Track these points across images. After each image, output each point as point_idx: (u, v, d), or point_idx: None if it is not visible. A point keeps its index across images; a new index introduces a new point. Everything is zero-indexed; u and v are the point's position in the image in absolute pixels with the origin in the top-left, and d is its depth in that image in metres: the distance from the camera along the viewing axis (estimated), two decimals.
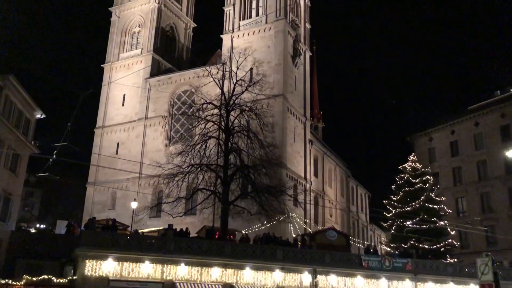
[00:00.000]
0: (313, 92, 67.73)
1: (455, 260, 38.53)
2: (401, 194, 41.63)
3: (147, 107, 51.09)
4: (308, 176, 47.16)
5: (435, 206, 40.50)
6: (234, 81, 32.43)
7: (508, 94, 53.50)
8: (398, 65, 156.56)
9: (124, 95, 53.00)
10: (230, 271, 26.13)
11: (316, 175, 51.06)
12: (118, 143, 51.51)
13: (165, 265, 24.90)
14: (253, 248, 27.78)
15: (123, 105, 52.88)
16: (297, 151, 46.24)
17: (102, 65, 55.84)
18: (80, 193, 54.19)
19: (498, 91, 56.36)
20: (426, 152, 56.20)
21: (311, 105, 57.46)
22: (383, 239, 56.17)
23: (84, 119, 68.18)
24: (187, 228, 30.05)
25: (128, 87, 51.71)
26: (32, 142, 31.48)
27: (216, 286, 25.34)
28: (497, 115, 50.28)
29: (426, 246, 37.92)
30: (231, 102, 31.79)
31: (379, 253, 36.19)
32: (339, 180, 59.07)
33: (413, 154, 45.64)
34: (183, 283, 24.74)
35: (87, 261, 23.44)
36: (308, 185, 46.72)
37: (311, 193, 47.38)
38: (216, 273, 25.76)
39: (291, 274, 27.55)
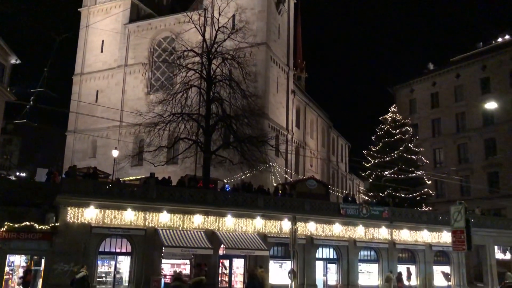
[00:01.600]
0: (296, 41, 66.60)
1: (430, 208, 39.96)
2: (380, 144, 42.36)
3: (127, 54, 49.80)
4: (290, 127, 47.37)
5: (413, 157, 41.45)
6: (216, 28, 31.59)
7: (490, 47, 53.70)
8: (383, 16, 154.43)
9: (103, 41, 51.42)
10: (212, 218, 26.62)
11: (298, 125, 51.32)
12: (97, 91, 50.52)
13: (148, 212, 25.18)
14: (235, 196, 28.21)
15: (101, 51, 51.42)
16: (280, 102, 46.11)
17: (79, 9, 53.66)
18: (60, 141, 53.62)
19: (481, 43, 56.49)
20: (407, 103, 56.77)
21: (294, 55, 56.77)
22: (362, 188, 57.58)
23: (62, 65, 66.25)
24: (169, 177, 30.22)
25: (106, 32, 50.08)
26: (8, 88, 30.57)
27: (198, 232, 25.87)
28: (478, 68, 50.64)
29: (403, 195, 39.09)
30: (213, 50, 31.07)
31: (357, 201, 37.22)
32: (321, 131, 59.57)
33: (394, 105, 46.08)
34: (165, 230, 25.16)
35: (68, 208, 23.52)
36: (290, 136, 47.03)
37: (293, 144, 47.80)
38: (198, 220, 26.22)
39: (272, 221, 28.23)
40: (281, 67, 46.67)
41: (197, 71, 31.01)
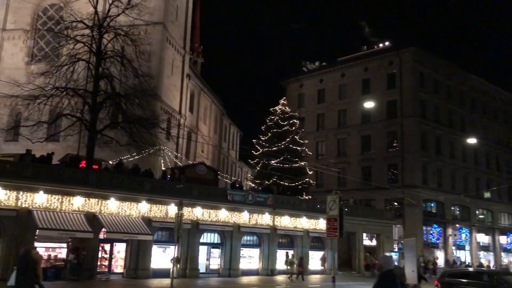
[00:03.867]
0: (195, 25, 65.96)
1: (310, 197, 42.51)
2: (269, 134, 43.93)
3: (5, 18, 44.83)
4: (183, 111, 46.84)
5: (298, 148, 43.65)
6: (110, 1, 29.91)
7: (373, 51, 58.44)
8: (283, 11, 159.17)
9: None
10: (93, 200, 25.46)
11: (191, 110, 50.94)
12: None
13: (21, 192, 23.24)
14: (120, 178, 27.24)
15: None
16: (174, 84, 45.30)
17: None
18: None
19: (365, 46, 61.21)
20: (296, 97, 59.51)
21: (191, 39, 56.11)
22: (249, 175, 59.29)
23: None
24: (52, 153, 28.18)
25: None
26: None
27: (78, 215, 24.57)
28: (361, 69, 54.77)
29: (286, 184, 41.03)
30: (105, 24, 29.40)
31: (244, 188, 38.29)
32: (214, 117, 59.86)
33: (284, 98, 47.97)
34: (40, 211, 23.47)
35: None
36: (182, 120, 46.52)
37: (185, 128, 47.38)
38: (78, 202, 24.89)
39: (158, 205, 27.86)
40: (177, 49, 45.81)
41: (86, 44, 29.14)
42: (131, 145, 29.75)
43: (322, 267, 36.02)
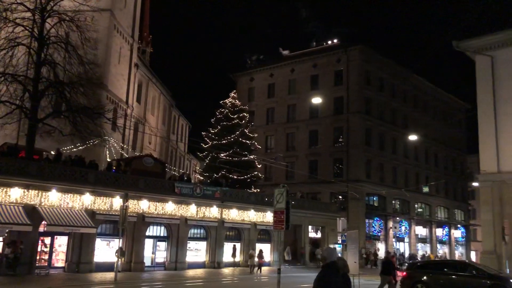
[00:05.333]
0: (144, 13, 64.38)
1: (258, 190, 42.91)
2: (219, 127, 43.79)
3: None
4: (130, 101, 45.71)
5: (247, 141, 43.86)
6: None
7: (321, 47, 59.50)
8: (234, 4, 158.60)
9: None
10: (33, 192, 24.38)
11: (139, 100, 49.81)
12: None
13: None
14: (62, 169, 26.22)
15: None
16: (121, 74, 44.07)
17: None
18: None
19: (314, 43, 62.15)
20: (247, 91, 59.60)
21: (140, 27, 54.82)
22: (198, 168, 58.89)
23: None
24: None
25: None
26: None
27: (15, 207, 23.45)
28: (310, 65, 55.63)
29: (235, 177, 41.16)
30: (49, 8, 28.06)
31: (192, 181, 38.00)
32: (162, 109, 58.85)
33: (234, 91, 47.93)
34: None
35: None
36: (129, 110, 45.39)
37: (132, 119, 46.28)
38: (16, 193, 23.74)
39: (102, 197, 27.13)
40: (125, 38, 44.54)
41: (27, 28, 27.68)
42: (75, 135, 28.76)
43: (288, 259, 36.97)
